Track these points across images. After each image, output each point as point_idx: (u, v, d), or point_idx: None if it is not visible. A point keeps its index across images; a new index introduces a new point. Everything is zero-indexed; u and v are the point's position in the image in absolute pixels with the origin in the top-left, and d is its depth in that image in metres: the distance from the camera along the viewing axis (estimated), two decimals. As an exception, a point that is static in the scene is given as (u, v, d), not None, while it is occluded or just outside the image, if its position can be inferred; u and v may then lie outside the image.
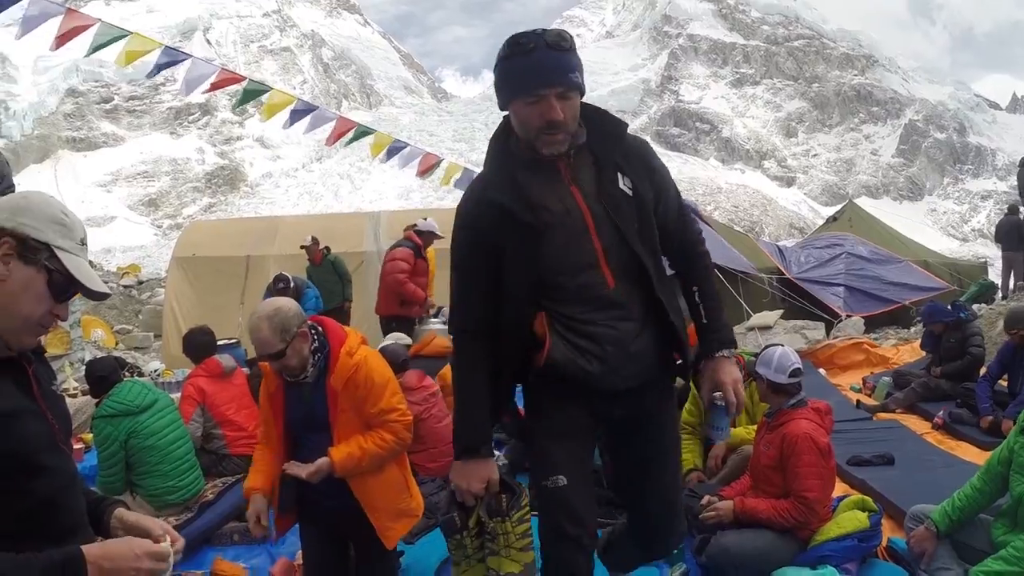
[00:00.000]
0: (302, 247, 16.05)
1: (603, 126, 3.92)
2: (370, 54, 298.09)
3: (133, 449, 7.32)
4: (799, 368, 6.29)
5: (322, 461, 4.91)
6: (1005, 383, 10.49)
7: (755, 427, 7.05)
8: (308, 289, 14.77)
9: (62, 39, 11.12)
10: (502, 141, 3.93)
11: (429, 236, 13.60)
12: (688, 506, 6.14)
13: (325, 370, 5.06)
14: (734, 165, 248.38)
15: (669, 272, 4.14)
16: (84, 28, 11.29)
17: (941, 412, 10.72)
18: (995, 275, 25.34)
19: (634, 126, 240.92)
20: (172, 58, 12.64)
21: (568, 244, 3.74)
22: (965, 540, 5.68)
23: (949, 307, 12.46)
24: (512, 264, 3.78)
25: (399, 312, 13.24)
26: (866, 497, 6.59)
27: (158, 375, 12.84)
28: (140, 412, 7.37)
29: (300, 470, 4.88)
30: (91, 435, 8.27)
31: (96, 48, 11.59)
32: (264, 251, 18.76)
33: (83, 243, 2.67)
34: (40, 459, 2.48)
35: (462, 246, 3.96)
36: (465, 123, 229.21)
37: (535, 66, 3.59)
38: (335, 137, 15.51)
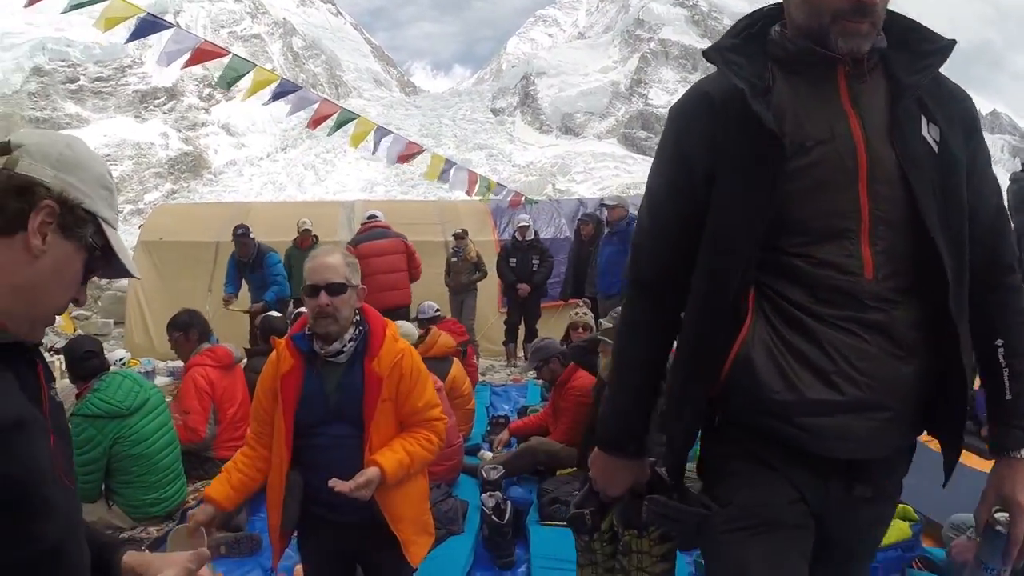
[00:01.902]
0: (301, 228, 15.43)
1: (916, 42, 2.62)
2: (341, 45, 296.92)
3: (117, 456, 6.42)
4: None
5: (371, 472, 4.09)
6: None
7: None
8: (272, 253, 14.32)
9: (34, -1, 10.61)
10: (754, 28, 2.74)
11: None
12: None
13: (363, 352, 4.30)
14: None
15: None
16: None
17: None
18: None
19: (601, 128, 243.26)
20: (154, 26, 11.99)
21: (822, 188, 2.47)
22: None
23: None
24: (729, 199, 2.54)
25: (406, 303, 13.39)
26: (907, 506, 6.25)
27: (123, 364, 12.34)
28: (130, 415, 6.43)
29: (345, 486, 3.99)
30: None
31: (74, 7, 10.98)
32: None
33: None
34: (45, 492, 1.78)
35: (661, 160, 2.80)
36: (432, 118, 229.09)
37: None
38: (316, 121, 15.07)
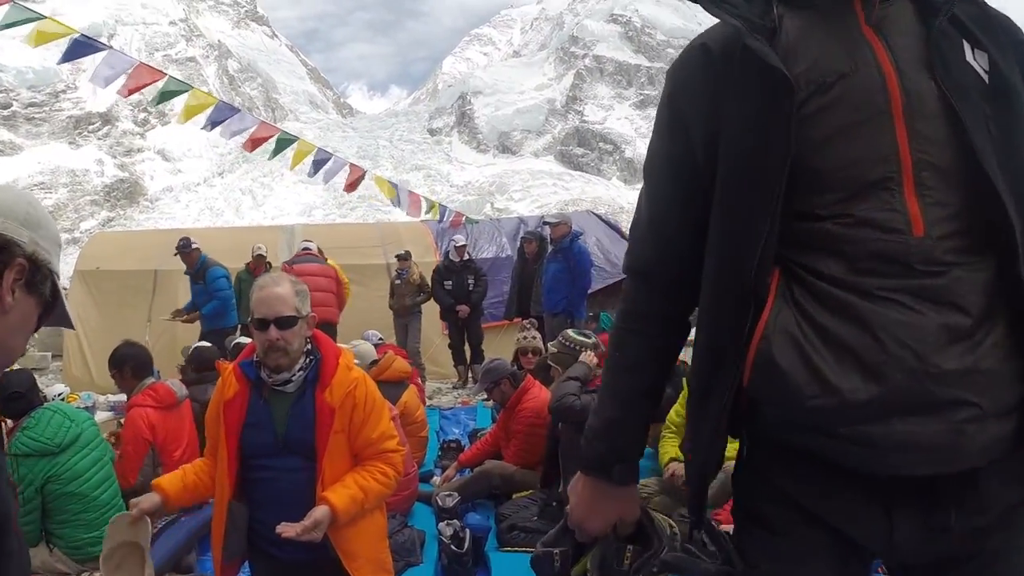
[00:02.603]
0: (257, 254, 15.21)
1: None
2: (276, 67, 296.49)
3: (51, 495, 6.11)
4: None
5: (320, 512, 3.87)
6: None
7: (734, 443, 6.66)
8: (217, 267, 14.25)
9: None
10: None
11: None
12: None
13: (315, 381, 4.14)
14: (636, 185, 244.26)
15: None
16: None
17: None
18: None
19: (538, 145, 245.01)
20: (87, 48, 11.77)
21: (849, 131, 2.02)
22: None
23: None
24: (736, 161, 2.12)
25: (335, 321, 13.68)
26: None
27: (62, 399, 12.02)
28: (60, 451, 6.14)
29: (293, 531, 3.77)
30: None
31: (5, 26, 10.77)
32: (173, 265, 17.63)
33: None
34: (9, 538, 1.79)
35: (656, 133, 2.41)
36: (369, 139, 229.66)
37: None
38: (254, 143, 14.85)
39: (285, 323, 4.01)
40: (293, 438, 4.09)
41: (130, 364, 7.63)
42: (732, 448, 6.17)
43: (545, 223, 15.12)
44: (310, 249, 14.48)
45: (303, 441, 4.08)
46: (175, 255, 14.75)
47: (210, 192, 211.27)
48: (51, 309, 2.06)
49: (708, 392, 2.17)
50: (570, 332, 7.59)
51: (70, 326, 2.10)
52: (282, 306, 4.03)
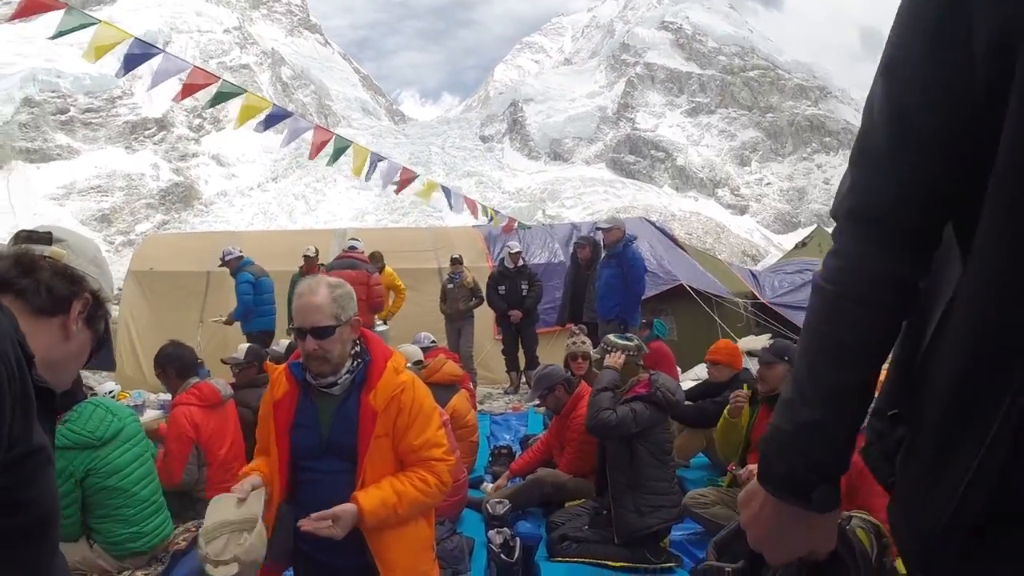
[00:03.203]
0: (306, 256, 15.30)
1: None
2: (329, 74, 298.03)
3: (91, 489, 6.05)
4: None
5: (344, 509, 3.78)
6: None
7: None
8: (243, 272, 14.55)
9: (22, 12, 10.41)
10: None
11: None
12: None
13: (362, 384, 4.07)
14: (688, 193, 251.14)
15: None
16: (49, 7, 10.57)
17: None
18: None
19: (589, 153, 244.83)
20: (143, 51, 11.76)
21: None
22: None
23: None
24: None
25: (367, 324, 13.43)
26: None
27: (113, 397, 12.03)
28: (101, 445, 6.08)
29: (310, 524, 3.72)
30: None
31: (61, 33, 10.79)
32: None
33: None
34: (52, 532, 1.75)
35: (906, 29, 1.64)
36: (422, 146, 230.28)
37: None
38: (316, 148, 14.89)
39: (322, 333, 3.96)
40: (336, 440, 4.04)
41: (174, 364, 7.70)
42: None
43: (598, 228, 14.94)
44: (355, 248, 14.56)
45: (345, 444, 4.02)
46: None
47: (263, 197, 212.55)
48: (100, 347, 2.26)
49: (972, 405, 1.50)
50: (611, 336, 7.30)
51: (112, 368, 2.20)
52: (318, 315, 3.98)
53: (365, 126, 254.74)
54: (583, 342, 10.08)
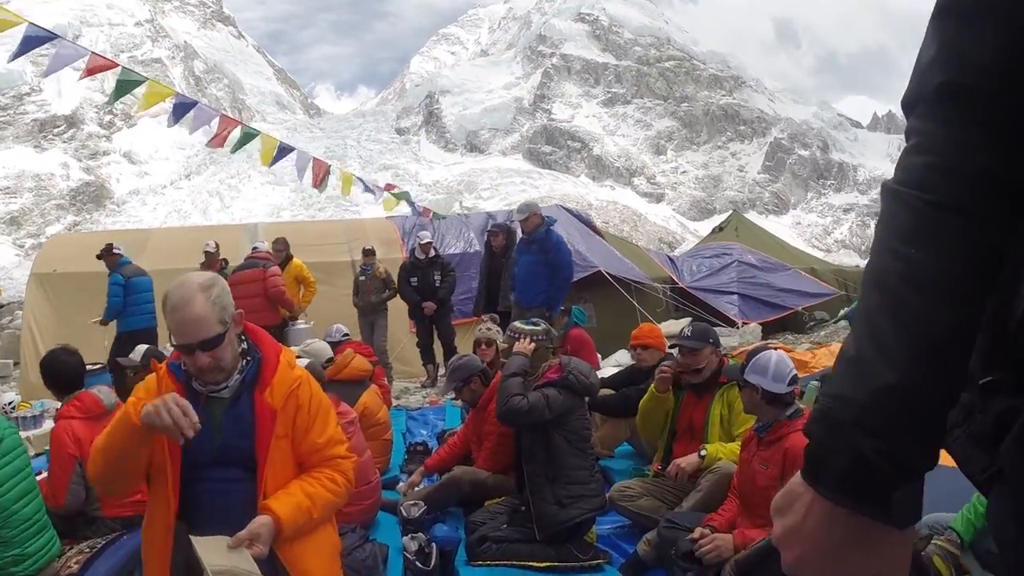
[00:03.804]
0: (206, 251, 15.10)
1: None
2: (243, 68, 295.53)
3: None
4: (796, 375, 5.59)
5: (262, 524, 3.40)
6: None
7: (734, 444, 6.34)
8: (113, 274, 14.28)
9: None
10: None
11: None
12: (672, 540, 5.40)
13: (254, 382, 3.66)
14: (604, 182, 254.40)
15: None
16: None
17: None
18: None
19: (506, 144, 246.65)
20: (37, 35, 11.31)
21: None
22: (989, 547, 4.85)
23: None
24: None
25: (274, 322, 13.76)
26: None
27: (12, 408, 11.40)
28: None
29: (230, 544, 3.32)
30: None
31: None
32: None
33: None
34: None
35: None
36: (337, 139, 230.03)
37: None
38: (219, 139, 14.52)
39: (211, 344, 3.51)
40: (231, 446, 3.60)
41: (51, 372, 7.07)
42: (723, 450, 5.56)
43: (512, 221, 14.67)
44: (258, 249, 14.71)
45: (242, 449, 3.60)
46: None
47: (177, 195, 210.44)
48: None
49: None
50: (517, 323, 6.95)
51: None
52: (202, 327, 3.52)
53: (280, 120, 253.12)
54: (489, 328, 9.76)
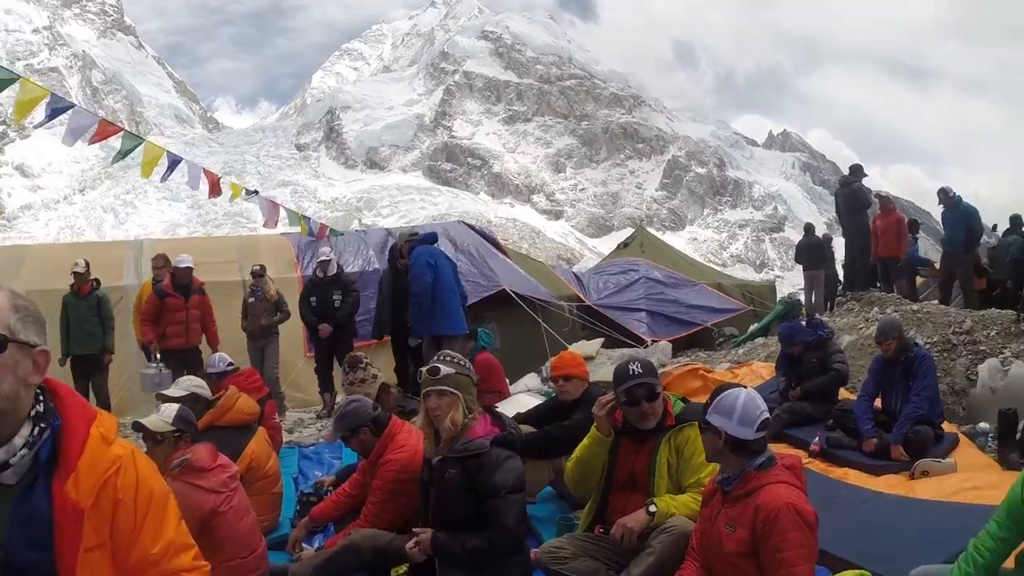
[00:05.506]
0: (74, 272, 13.72)
1: None
2: (142, 79, 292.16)
3: None
4: (767, 419, 4.64)
5: None
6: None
7: (686, 496, 5.36)
8: None
9: None
10: None
11: (184, 272, 13.65)
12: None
13: (52, 465, 2.39)
14: (504, 199, 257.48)
15: None
16: None
17: (817, 438, 9.54)
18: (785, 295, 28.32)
19: (406, 161, 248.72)
20: None
21: None
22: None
23: (805, 326, 11.54)
24: None
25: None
26: (864, 572, 5.08)
27: None
28: None
29: None
30: None
31: None
32: (6, 285, 16.15)
33: None
34: None
35: None
36: (236, 155, 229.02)
37: None
38: (99, 136, 13.40)
39: None
40: (19, 560, 2.34)
41: None
42: (676, 504, 4.54)
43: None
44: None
45: (36, 565, 2.35)
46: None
47: (71, 210, 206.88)
48: None
49: None
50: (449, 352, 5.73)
51: None
52: None
53: (178, 134, 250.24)
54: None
